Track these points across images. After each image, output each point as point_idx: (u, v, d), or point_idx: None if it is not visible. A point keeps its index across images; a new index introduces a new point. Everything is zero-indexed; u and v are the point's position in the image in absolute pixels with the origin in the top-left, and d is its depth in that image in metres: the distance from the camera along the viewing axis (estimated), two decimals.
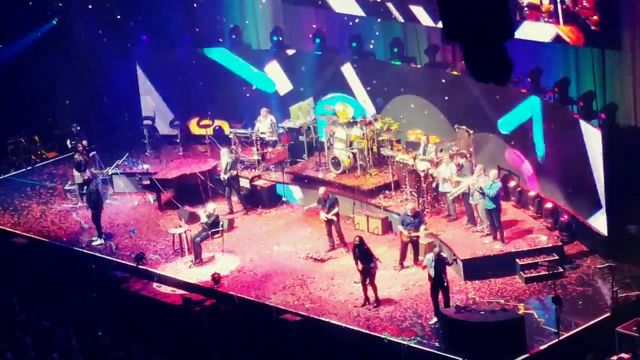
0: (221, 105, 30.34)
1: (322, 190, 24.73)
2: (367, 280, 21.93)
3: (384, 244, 24.39)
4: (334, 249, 24.60)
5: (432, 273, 21.00)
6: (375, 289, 22.00)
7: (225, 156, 27.07)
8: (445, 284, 21.07)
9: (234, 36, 30.85)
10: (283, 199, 27.50)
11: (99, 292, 23.61)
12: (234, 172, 26.99)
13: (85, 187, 26.81)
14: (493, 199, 22.84)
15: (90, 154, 28.60)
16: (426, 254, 22.18)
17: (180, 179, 27.84)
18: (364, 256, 21.91)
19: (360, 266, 21.93)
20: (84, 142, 28.74)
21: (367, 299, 22.06)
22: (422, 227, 23.10)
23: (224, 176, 26.99)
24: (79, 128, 29.38)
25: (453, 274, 22.96)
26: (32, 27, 31.46)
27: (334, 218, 24.40)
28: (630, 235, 22.21)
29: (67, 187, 29.28)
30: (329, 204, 24.37)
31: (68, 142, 29.41)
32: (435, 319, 21.10)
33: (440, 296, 21.10)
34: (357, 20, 28.47)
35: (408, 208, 23.42)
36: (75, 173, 27.94)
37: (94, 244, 26.01)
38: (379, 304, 21.93)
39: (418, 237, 23.18)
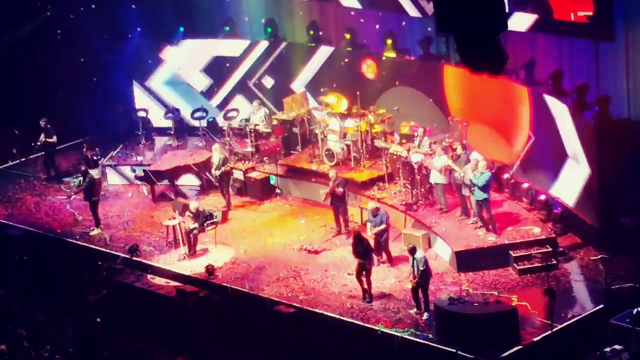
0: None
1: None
2: (363, 275, 21.94)
3: None
4: (339, 234, 24.67)
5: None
6: (370, 284, 22.01)
7: (217, 152, 26.92)
8: (416, 285, 21.07)
9: (227, 28, 30.86)
10: (277, 190, 27.52)
11: (108, 288, 23.60)
12: (227, 168, 26.88)
13: (83, 179, 26.85)
14: (483, 189, 22.83)
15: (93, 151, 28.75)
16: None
17: (174, 171, 27.84)
18: (363, 252, 21.93)
19: (358, 261, 21.95)
20: (55, 138, 28.82)
21: (365, 292, 22.04)
22: (381, 226, 22.91)
23: (215, 172, 26.89)
24: (46, 122, 29.22)
25: (447, 265, 23.04)
26: (25, 19, 31.40)
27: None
28: (624, 227, 22.24)
29: (61, 179, 29.32)
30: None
31: (43, 137, 29.20)
32: (415, 309, 21.24)
33: (420, 294, 21.25)
34: (352, 13, 28.54)
35: (370, 207, 23.39)
36: (92, 171, 27.68)
37: (91, 234, 26.02)
38: (372, 300, 21.93)
39: (378, 234, 22.99)
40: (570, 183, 23.24)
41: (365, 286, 21.95)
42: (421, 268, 20.93)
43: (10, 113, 30.50)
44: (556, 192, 23.67)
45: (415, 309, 21.24)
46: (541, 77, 24.40)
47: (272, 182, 27.36)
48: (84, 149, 28.46)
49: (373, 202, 24.12)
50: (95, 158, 27.84)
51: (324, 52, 28.89)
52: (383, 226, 22.95)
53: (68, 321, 21.17)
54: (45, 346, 20.21)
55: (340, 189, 24.55)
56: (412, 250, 21.21)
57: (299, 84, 29.37)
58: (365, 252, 21.88)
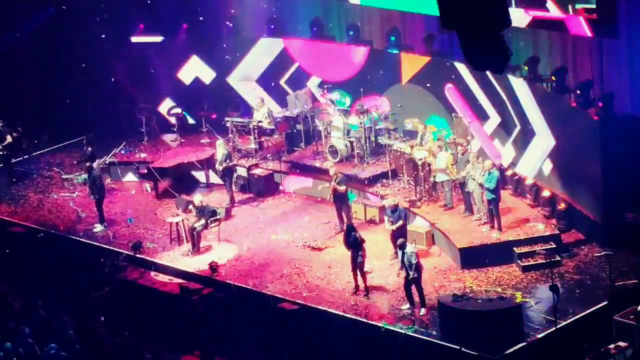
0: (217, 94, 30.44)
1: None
2: (356, 269, 21.98)
3: (381, 233, 24.32)
4: (342, 231, 24.60)
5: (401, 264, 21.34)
6: (364, 278, 22.02)
7: (221, 147, 26.91)
8: (410, 277, 21.06)
9: (230, 24, 30.84)
10: (280, 187, 27.51)
11: (111, 285, 23.60)
12: (230, 164, 26.85)
13: (88, 176, 26.78)
14: (493, 190, 22.80)
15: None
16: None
17: (178, 168, 27.84)
18: (353, 244, 21.92)
19: (350, 253, 21.98)
20: (9, 138, 28.82)
21: (357, 286, 22.08)
22: (399, 222, 22.82)
23: (218, 167, 26.88)
24: (2, 124, 29.28)
25: (450, 262, 23.01)
26: (31, 15, 31.41)
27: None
28: (628, 223, 22.20)
29: (64, 176, 29.31)
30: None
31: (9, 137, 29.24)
32: (407, 305, 21.25)
33: (413, 289, 21.24)
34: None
35: (387, 203, 23.33)
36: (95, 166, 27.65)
37: (95, 230, 26.03)
38: (368, 293, 21.95)
39: (397, 230, 22.96)
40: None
41: (360, 280, 21.98)
42: (413, 262, 20.91)
43: (12, 110, 30.49)
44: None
45: (408, 305, 21.22)
46: (545, 73, 24.34)
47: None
48: (85, 146, 28.46)
49: (392, 198, 24.02)
50: (93, 154, 27.87)
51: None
52: (401, 222, 22.90)
53: (68, 319, 21.16)
54: (50, 344, 20.19)
55: (343, 187, 24.49)
56: (402, 246, 21.19)
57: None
58: (356, 244, 21.86)
